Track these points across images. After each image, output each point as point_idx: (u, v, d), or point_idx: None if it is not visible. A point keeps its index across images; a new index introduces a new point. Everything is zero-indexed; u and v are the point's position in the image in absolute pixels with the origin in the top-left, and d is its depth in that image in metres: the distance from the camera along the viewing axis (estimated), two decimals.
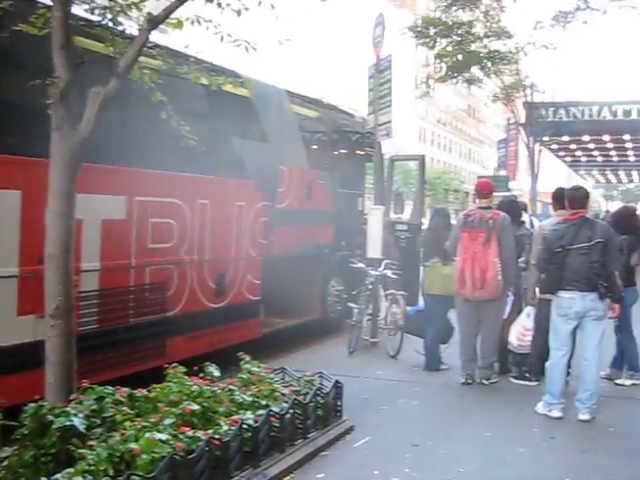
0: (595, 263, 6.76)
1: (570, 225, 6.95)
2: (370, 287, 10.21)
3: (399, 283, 10.38)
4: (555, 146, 29.40)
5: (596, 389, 6.93)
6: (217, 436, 4.84)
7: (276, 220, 9.87)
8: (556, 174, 79.61)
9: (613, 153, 31.68)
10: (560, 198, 7.89)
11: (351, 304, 10.68)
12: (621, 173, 44.44)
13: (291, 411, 5.65)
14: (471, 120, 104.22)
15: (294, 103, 10.87)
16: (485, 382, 8.23)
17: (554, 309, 7.06)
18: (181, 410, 4.99)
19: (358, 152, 12.71)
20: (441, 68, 24.39)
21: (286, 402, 5.70)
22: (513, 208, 8.87)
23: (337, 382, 6.52)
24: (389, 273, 10.21)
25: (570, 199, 7.12)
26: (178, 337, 8.34)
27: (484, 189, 8.49)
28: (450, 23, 22.48)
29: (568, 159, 35.38)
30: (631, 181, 54.46)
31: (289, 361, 9.29)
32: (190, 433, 4.68)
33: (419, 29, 22.44)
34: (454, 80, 24.54)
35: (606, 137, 26.61)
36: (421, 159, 13.29)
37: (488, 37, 23.26)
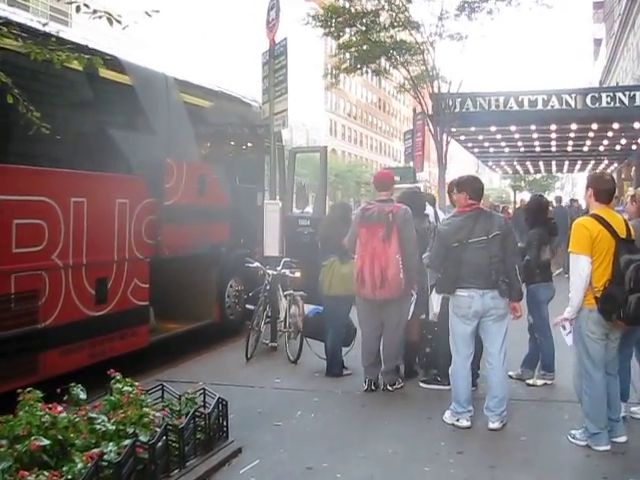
0: (495, 258, 6.29)
1: (466, 218, 6.44)
2: (268, 288, 9.54)
3: (301, 282, 9.72)
4: (463, 137, 29.24)
5: (505, 394, 6.40)
6: (70, 476, 4.09)
7: (164, 218, 9.07)
8: (467, 165, 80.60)
9: (520, 144, 31.69)
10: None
11: (249, 306, 10.01)
12: (528, 164, 44.83)
13: (164, 438, 4.92)
14: (382, 113, 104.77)
15: (184, 92, 10.09)
16: (390, 388, 7.63)
17: (452, 309, 6.53)
18: (26, 447, 4.22)
19: (257, 144, 12.02)
20: (347, 59, 23.77)
21: (159, 428, 4.96)
22: (415, 200, 8.32)
23: (220, 399, 5.80)
24: (288, 272, 9.55)
25: (467, 190, 6.60)
26: (52, 351, 7.47)
27: (383, 181, 7.88)
28: (354, 12, 21.88)
29: (476, 150, 35.30)
30: (538, 172, 55.15)
31: (179, 371, 8.61)
32: (31, 478, 3.91)
33: (323, 18, 21.84)
34: (360, 71, 24.04)
35: (513, 127, 26.45)
36: (323, 151, 12.64)
37: (394, 27, 22.80)
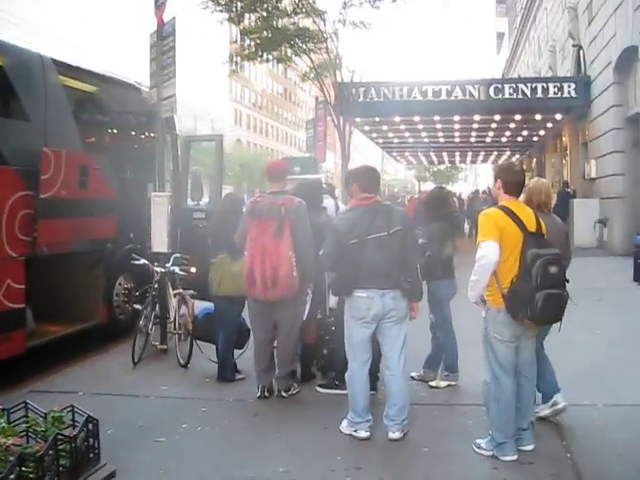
0: (396, 255, 5.80)
1: (364, 212, 5.92)
2: (156, 286, 8.88)
3: (196, 279, 9.09)
4: (367, 127, 28.99)
5: (405, 402, 5.91)
6: None
7: (40, 212, 8.29)
8: (371, 156, 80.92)
9: (424, 134, 31.62)
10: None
11: (137, 306, 9.32)
12: (432, 154, 45.01)
13: (17, 470, 4.25)
14: (288, 104, 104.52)
15: (64, 75, 9.29)
16: (284, 394, 7.08)
17: (347, 311, 6.01)
18: None
19: (148, 132, 11.27)
20: (249, 45, 23.07)
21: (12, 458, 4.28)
22: (312, 192, 7.78)
23: (90, 418, 5.13)
24: (177, 269, 8.92)
25: (362, 181, 6.12)
26: None
27: (275, 171, 7.30)
28: None
29: (380, 141, 35.09)
30: (442, 162, 55.66)
31: (60, 379, 7.93)
32: None
33: (223, 2, 21.09)
34: (262, 59, 23.41)
35: (417, 118, 26.30)
36: (219, 139, 12.06)
37: (297, 14, 22.29)
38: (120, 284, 10.55)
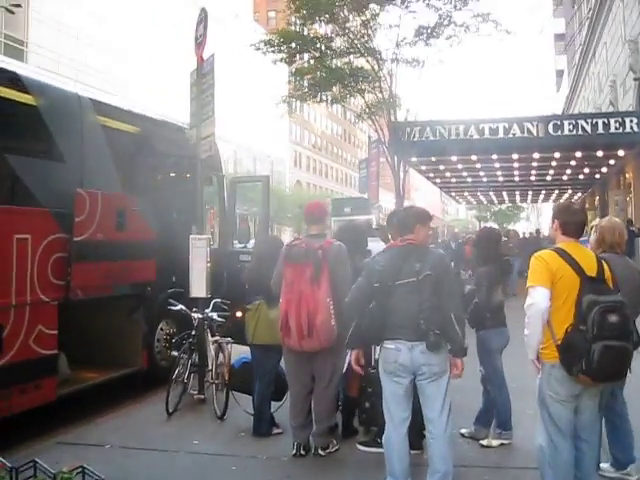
0: (425, 304, 5.22)
1: (395, 255, 5.43)
2: (194, 333, 8.50)
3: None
4: (424, 167, 28.54)
5: (448, 469, 5.28)
6: None
7: (75, 255, 8.01)
8: (430, 196, 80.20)
9: (482, 174, 30.99)
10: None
11: (174, 352, 8.94)
12: (492, 194, 44.18)
13: None
14: (347, 145, 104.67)
15: (102, 115, 9.08)
16: (322, 452, 6.55)
17: (380, 364, 5.49)
18: None
19: (190, 173, 10.98)
20: (301, 86, 22.89)
21: None
22: (355, 234, 7.33)
23: None
24: (215, 316, 8.53)
25: (397, 223, 5.68)
26: None
27: (313, 213, 6.89)
28: (308, 37, 21.02)
29: (438, 181, 34.60)
30: (502, 202, 54.70)
31: (90, 430, 7.64)
32: None
33: (275, 43, 21.00)
34: (316, 99, 23.19)
35: (474, 157, 25.74)
36: (265, 180, 11.72)
37: (350, 53, 22.07)
38: (162, 329, 10.21)
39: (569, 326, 4.56)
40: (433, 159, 25.73)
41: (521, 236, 32.25)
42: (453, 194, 45.11)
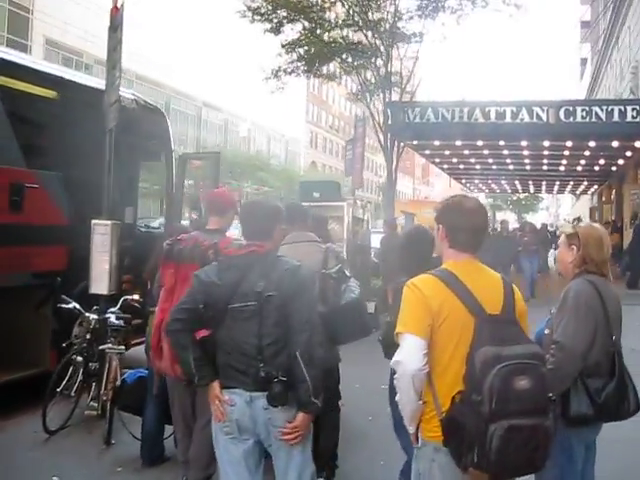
0: (268, 337, 3.74)
1: (230, 268, 3.90)
2: (87, 338, 7.11)
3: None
4: (428, 152, 26.91)
5: None
6: None
7: None
8: (451, 182, 78.30)
9: (491, 161, 29.23)
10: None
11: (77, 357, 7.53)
12: (504, 182, 42.35)
13: None
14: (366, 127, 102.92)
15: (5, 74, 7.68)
16: None
17: (212, 419, 3.99)
18: None
19: (131, 147, 9.52)
20: (293, 59, 21.21)
21: None
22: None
23: None
24: (113, 318, 7.12)
25: (242, 219, 4.12)
26: None
27: (215, 201, 5.44)
28: (299, 4, 19.22)
29: (445, 166, 32.93)
30: (515, 191, 52.74)
31: None
32: None
33: (262, 11, 19.36)
34: (309, 74, 21.58)
35: (480, 142, 24.02)
36: (215, 157, 10.35)
37: (349, 26, 20.45)
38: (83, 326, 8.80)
39: (457, 394, 3.04)
40: (437, 143, 24.06)
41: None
42: (463, 181, 43.29)
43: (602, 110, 20.27)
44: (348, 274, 5.27)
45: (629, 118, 19.95)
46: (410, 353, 3.07)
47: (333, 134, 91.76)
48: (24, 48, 35.41)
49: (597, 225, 4.35)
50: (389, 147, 20.36)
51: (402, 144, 21.40)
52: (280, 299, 3.73)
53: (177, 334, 3.92)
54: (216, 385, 3.84)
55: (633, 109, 20.04)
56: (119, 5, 7.41)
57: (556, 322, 3.83)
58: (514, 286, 3.36)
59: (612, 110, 20.22)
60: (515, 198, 66.24)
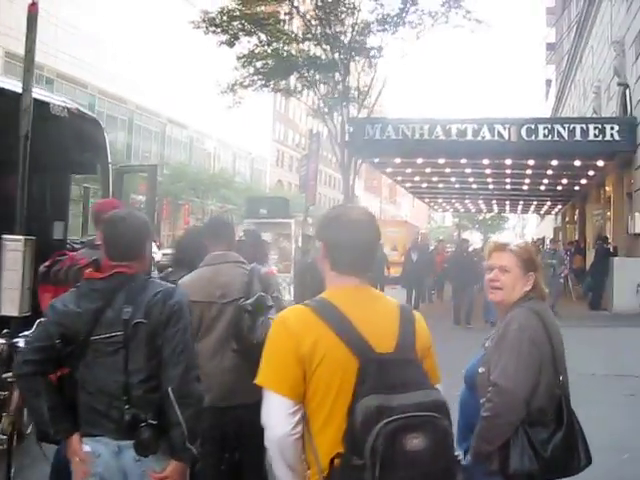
0: (136, 375, 3.17)
1: (92, 292, 3.29)
2: None
3: None
4: (389, 170, 26.45)
5: None
6: None
7: None
8: (419, 201, 78.26)
9: (453, 179, 28.81)
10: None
11: None
12: (467, 202, 42.03)
13: None
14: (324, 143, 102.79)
15: None
16: None
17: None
18: None
19: (60, 160, 8.88)
20: (249, 73, 20.68)
21: None
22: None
23: None
24: (22, 343, 6.45)
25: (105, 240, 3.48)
26: None
27: (102, 213, 4.79)
28: (256, 14, 18.62)
29: (408, 185, 32.48)
30: (479, 211, 52.50)
31: None
32: None
33: (217, 22, 18.80)
34: (267, 88, 21.09)
35: (442, 160, 23.60)
36: (152, 170, 9.79)
37: (307, 40, 20.01)
38: None
39: (336, 456, 2.39)
40: (397, 160, 23.62)
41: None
42: (427, 200, 42.96)
43: (564, 128, 20.07)
44: (270, 303, 4.63)
45: (591, 137, 19.76)
46: (273, 416, 2.46)
47: (299, 152, 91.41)
48: None
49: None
50: (346, 164, 19.89)
51: (360, 161, 20.85)
52: (150, 327, 3.15)
53: (28, 379, 3.27)
54: (75, 439, 3.21)
55: (595, 127, 19.87)
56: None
57: (494, 359, 3.20)
58: (417, 315, 2.72)
59: (574, 128, 20.03)
60: (481, 217, 66.22)
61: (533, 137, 20.07)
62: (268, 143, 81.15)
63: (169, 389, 3.08)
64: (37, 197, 8.26)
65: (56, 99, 9.39)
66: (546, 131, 20.13)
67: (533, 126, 20.42)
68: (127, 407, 3.09)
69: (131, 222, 3.42)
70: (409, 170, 26.32)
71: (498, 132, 20.24)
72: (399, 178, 29.69)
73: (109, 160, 10.32)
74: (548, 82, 67.28)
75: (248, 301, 4.48)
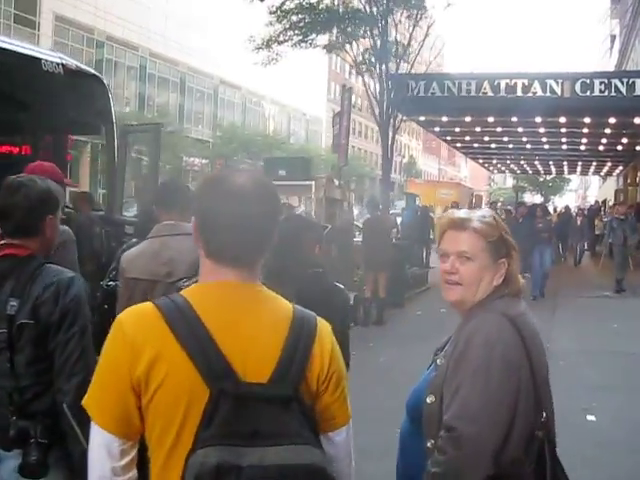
0: (24, 378, 2.68)
1: None
2: None
3: None
4: (437, 129, 25.42)
5: None
6: None
7: None
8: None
9: (506, 139, 27.59)
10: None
11: None
12: (523, 162, 40.52)
13: None
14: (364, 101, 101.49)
15: None
16: None
17: None
18: None
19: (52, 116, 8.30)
20: (284, 28, 19.80)
21: None
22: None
23: None
24: None
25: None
26: None
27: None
28: None
29: (459, 145, 31.32)
30: (536, 172, 50.66)
31: None
32: None
33: None
34: (305, 44, 20.17)
35: (491, 119, 22.43)
36: (156, 129, 9.08)
37: None
38: None
39: None
40: (444, 119, 22.56)
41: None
42: (481, 161, 41.56)
43: (622, 83, 18.67)
44: None
45: None
46: (94, 450, 1.72)
47: (356, 113, 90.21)
48: (32, 24, 34.57)
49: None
50: (384, 122, 18.98)
51: (398, 120, 19.91)
52: (38, 330, 2.66)
53: None
54: None
55: None
56: None
57: (449, 387, 2.25)
58: (323, 330, 1.86)
59: (633, 83, 18.59)
60: (541, 179, 64.12)
61: (588, 92, 18.74)
62: (324, 104, 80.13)
63: (64, 405, 2.59)
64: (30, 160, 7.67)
65: (50, 54, 8.79)
66: (602, 86, 18.74)
67: (588, 81, 19.02)
68: (14, 418, 2.64)
69: (29, 191, 2.86)
70: (457, 129, 25.26)
71: (550, 87, 18.98)
72: (448, 138, 28.62)
73: (114, 120, 9.65)
74: (612, 38, 64.55)
75: (190, 281, 3.75)
